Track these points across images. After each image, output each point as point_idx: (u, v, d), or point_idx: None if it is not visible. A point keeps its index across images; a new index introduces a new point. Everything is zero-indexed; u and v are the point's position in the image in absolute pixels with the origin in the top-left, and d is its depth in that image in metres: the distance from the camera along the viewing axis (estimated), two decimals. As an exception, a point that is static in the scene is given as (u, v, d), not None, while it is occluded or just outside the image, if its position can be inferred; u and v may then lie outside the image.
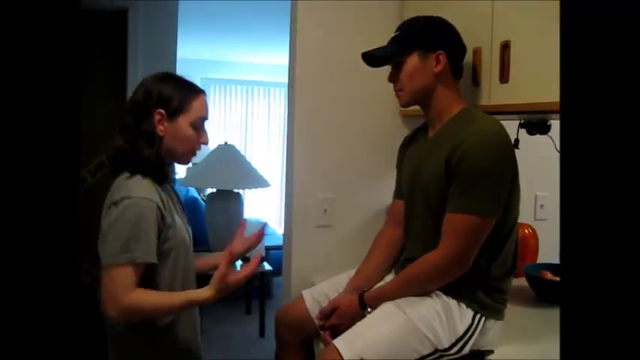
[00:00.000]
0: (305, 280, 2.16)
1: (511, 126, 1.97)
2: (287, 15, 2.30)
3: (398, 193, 1.89)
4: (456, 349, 1.54)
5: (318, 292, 1.84)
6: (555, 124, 1.92)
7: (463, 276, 1.55)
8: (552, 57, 1.38)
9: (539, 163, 2.09)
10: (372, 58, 1.72)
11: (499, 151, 1.52)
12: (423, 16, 1.73)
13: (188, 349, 1.67)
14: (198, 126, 1.62)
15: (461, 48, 1.70)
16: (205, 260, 1.86)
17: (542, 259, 2.30)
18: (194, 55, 6.60)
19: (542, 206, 2.55)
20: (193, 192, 5.21)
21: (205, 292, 1.51)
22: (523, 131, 1.99)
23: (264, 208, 7.61)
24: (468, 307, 1.58)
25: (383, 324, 1.55)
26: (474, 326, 1.57)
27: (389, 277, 1.78)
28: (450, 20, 1.72)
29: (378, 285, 1.71)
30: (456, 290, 1.59)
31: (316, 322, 1.74)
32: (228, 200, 3.96)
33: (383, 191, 2.13)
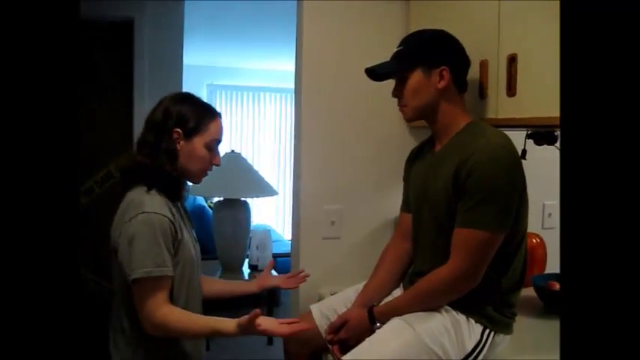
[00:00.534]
0: (313, 292, 2.16)
1: (518, 137, 1.97)
2: (293, 21, 2.30)
3: (405, 206, 1.89)
4: (464, 365, 1.54)
5: (327, 307, 1.84)
6: (562, 135, 1.92)
7: (472, 291, 1.55)
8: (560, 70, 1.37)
9: (546, 173, 2.07)
10: (376, 74, 1.72)
11: (507, 165, 1.52)
12: (426, 30, 1.73)
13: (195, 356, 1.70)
14: (212, 147, 1.68)
15: (464, 62, 1.69)
16: (238, 286, 1.96)
17: (550, 268, 2.29)
18: (200, 62, 6.61)
19: (549, 215, 2.54)
20: (201, 200, 5.22)
21: (231, 326, 1.54)
22: (530, 141, 1.98)
23: (271, 214, 7.62)
24: (477, 322, 1.58)
25: (391, 339, 1.55)
26: (482, 342, 1.57)
27: (397, 292, 1.78)
28: (457, 33, 1.72)
29: (387, 300, 1.71)
30: (465, 306, 1.58)
31: (325, 336, 1.74)
32: (235, 208, 3.96)
33: (391, 202, 2.13)
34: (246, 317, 1.49)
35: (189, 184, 1.78)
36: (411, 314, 1.59)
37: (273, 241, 4.36)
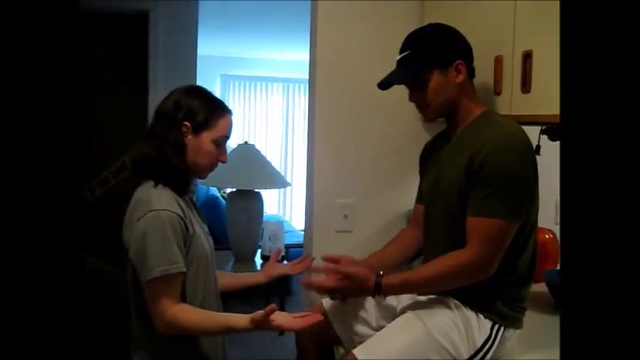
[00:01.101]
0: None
1: (533, 132, 1.96)
2: (308, 12, 2.30)
3: (419, 198, 1.91)
4: (475, 360, 1.55)
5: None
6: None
7: (481, 286, 1.54)
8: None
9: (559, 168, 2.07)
10: (388, 85, 1.71)
11: (521, 154, 1.52)
12: (423, 28, 1.73)
13: (213, 356, 1.69)
14: (220, 143, 1.66)
15: (469, 48, 1.69)
16: (244, 278, 1.95)
17: (562, 264, 2.28)
18: (214, 52, 6.62)
19: (563, 210, 2.53)
20: (214, 190, 5.24)
21: (244, 321, 1.49)
22: (544, 137, 1.98)
23: (283, 205, 7.64)
24: (486, 318, 1.59)
25: (402, 334, 1.56)
26: (492, 337, 1.57)
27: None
28: (472, 28, 1.71)
29: (398, 274, 1.65)
30: (474, 301, 1.59)
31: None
32: (248, 199, 3.98)
33: (404, 196, 2.14)
34: (260, 312, 1.45)
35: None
36: (422, 310, 1.60)
37: (286, 232, 4.38)
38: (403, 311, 1.67)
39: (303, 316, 1.51)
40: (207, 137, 1.62)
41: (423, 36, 1.70)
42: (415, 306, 1.65)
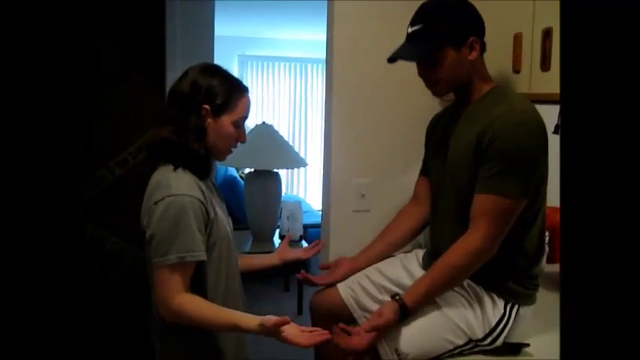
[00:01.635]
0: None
1: (552, 111, 1.93)
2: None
3: (423, 170, 1.91)
4: (490, 339, 1.55)
5: (352, 280, 1.86)
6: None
7: (491, 266, 1.53)
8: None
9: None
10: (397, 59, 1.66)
11: (532, 132, 1.50)
12: (439, 1, 1.65)
13: (234, 350, 1.67)
14: (240, 125, 1.62)
15: (482, 23, 1.63)
16: (260, 260, 1.94)
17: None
18: (231, 33, 6.60)
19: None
20: (232, 170, 5.27)
21: (253, 323, 1.44)
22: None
23: (302, 185, 7.66)
24: (499, 297, 1.59)
25: (417, 316, 1.56)
26: (506, 316, 1.57)
27: (416, 270, 1.80)
28: (492, 5, 1.68)
29: (415, 285, 1.61)
30: (487, 281, 1.59)
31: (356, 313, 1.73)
32: (266, 180, 4.00)
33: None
34: (273, 320, 1.41)
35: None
36: None
37: (304, 212, 4.40)
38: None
39: (311, 331, 1.46)
40: (227, 120, 1.57)
41: (437, 9, 1.63)
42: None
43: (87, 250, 2.82)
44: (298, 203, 4.23)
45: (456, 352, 1.55)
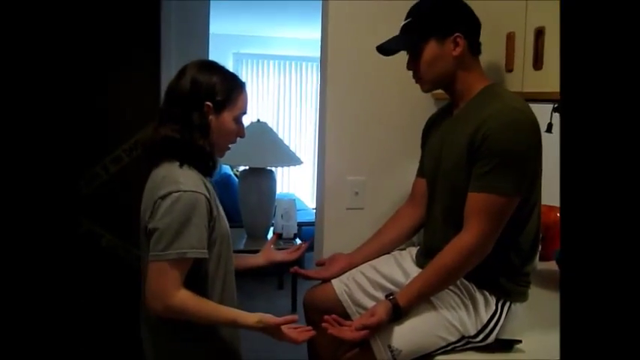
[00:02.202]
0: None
1: (545, 110, 1.95)
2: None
3: (420, 171, 1.92)
4: (482, 336, 1.56)
5: (346, 276, 1.87)
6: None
7: (485, 263, 1.54)
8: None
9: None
10: (388, 51, 1.70)
11: (523, 129, 1.51)
12: None
13: (227, 347, 1.68)
14: (239, 120, 1.63)
15: (476, 24, 1.66)
16: (245, 260, 1.94)
17: (574, 242, 2.28)
18: (226, 31, 6.60)
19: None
20: (227, 168, 5.28)
21: (252, 319, 1.49)
22: (557, 115, 1.97)
23: (296, 183, 7.67)
24: (491, 294, 1.60)
25: (411, 315, 1.56)
26: (498, 313, 1.58)
27: (410, 268, 1.81)
28: (484, 5, 1.69)
29: (409, 284, 1.61)
30: (479, 279, 1.60)
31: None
32: (260, 177, 4.01)
33: (414, 174, 2.13)
34: (272, 318, 1.46)
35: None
36: None
37: (298, 210, 4.41)
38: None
39: (295, 328, 1.53)
40: (228, 116, 1.59)
41: (427, 5, 1.67)
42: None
43: (81, 246, 2.82)
44: (292, 201, 4.23)
45: (448, 348, 1.56)
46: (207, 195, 1.51)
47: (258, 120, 4.22)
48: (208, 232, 1.53)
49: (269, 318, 1.47)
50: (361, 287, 1.81)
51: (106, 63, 2.84)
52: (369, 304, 1.72)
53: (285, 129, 7.53)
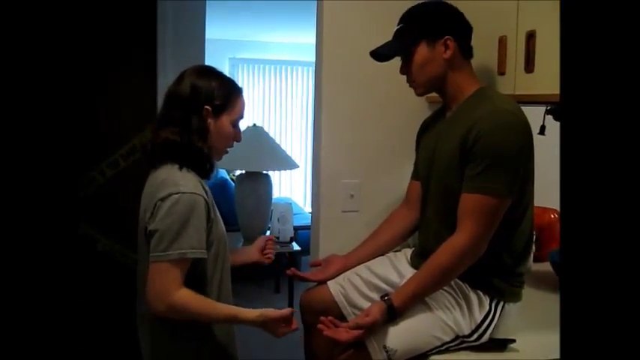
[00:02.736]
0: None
1: (538, 112, 1.97)
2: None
3: (414, 175, 1.94)
4: (475, 335, 1.58)
5: (342, 278, 1.89)
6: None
7: (479, 264, 1.56)
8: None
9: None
10: (381, 55, 1.73)
11: (514, 130, 1.53)
12: (423, 3, 1.73)
13: (223, 348, 1.70)
14: (237, 124, 1.67)
15: (466, 28, 1.69)
16: (238, 256, 1.95)
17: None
18: (222, 36, 6.63)
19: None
20: (223, 173, 5.29)
21: (252, 315, 1.54)
22: (549, 117, 1.99)
23: (292, 187, 7.68)
24: (485, 294, 1.62)
25: (405, 315, 1.58)
26: (492, 313, 1.60)
27: (405, 269, 1.82)
28: (476, 9, 1.72)
29: (403, 285, 1.62)
30: (473, 279, 1.62)
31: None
32: (256, 181, 4.01)
33: (409, 175, 2.15)
34: (275, 314, 1.53)
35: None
36: None
37: (295, 214, 4.42)
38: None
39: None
40: (226, 120, 1.62)
41: (418, 9, 1.71)
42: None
43: (78, 250, 2.83)
44: (289, 205, 4.24)
45: (443, 348, 1.57)
46: (206, 197, 1.54)
47: (254, 124, 4.23)
48: (206, 234, 1.55)
49: (271, 312, 1.53)
50: (356, 288, 1.83)
51: (102, 68, 2.85)
52: (365, 304, 1.74)
53: (282, 133, 7.54)
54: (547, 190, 1.68)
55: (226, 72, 7.57)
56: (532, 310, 1.79)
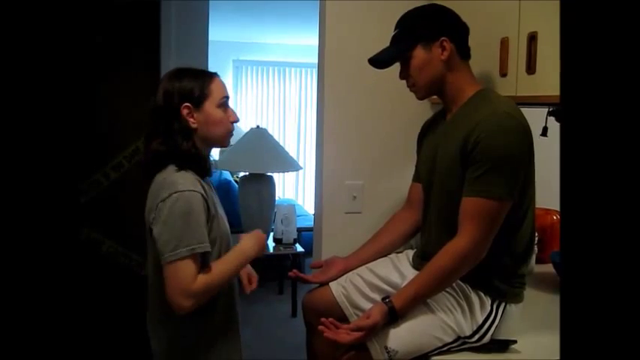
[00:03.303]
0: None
1: (540, 114, 1.98)
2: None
3: (416, 176, 1.95)
4: (477, 336, 1.58)
5: (344, 279, 1.89)
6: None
7: (480, 265, 1.56)
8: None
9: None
10: (380, 62, 1.74)
11: (514, 133, 1.53)
12: (418, 7, 1.74)
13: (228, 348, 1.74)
14: (225, 105, 1.67)
15: (463, 29, 1.70)
16: None
17: (570, 245, 2.30)
18: (226, 38, 6.64)
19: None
20: (227, 174, 5.30)
21: (250, 242, 1.68)
22: (552, 118, 1.99)
23: (295, 189, 7.69)
24: (486, 295, 1.62)
25: (407, 314, 1.58)
26: (493, 314, 1.60)
27: (408, 268, 1.83)
28: (478, 11, 1.72)
29: (404, 287, 1.62)
30: (474, 280, 1.62)
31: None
32: (260, 183, 4.03)
33: (410, 178, 2.16)
34: (258, 232, 1.69)
35: (216, 158, 1.78)
36: None
37: (298, 216, 4.43)
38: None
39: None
40: (210, 106, 1.62)
41: (413, 13, 1.72)
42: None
43: (82, 253, 2.84)
44: (292, 206, 4.26)
45: (444, 349, 1.57)
46: (205, 195, 1.57)
47: (258, 126, 4.24)
48: (207, 230, 1.57)
49: (258, 233, 1.72)
50: (358, 289, 1.83)
51: (105, 70, 2.87)
52: (367, 306, 1.74)
53: (286, 135, 7.55)
54: (549, 192, 1.67)
55: (230, 74, 7.61)
56: (534, 311, 1.79)
